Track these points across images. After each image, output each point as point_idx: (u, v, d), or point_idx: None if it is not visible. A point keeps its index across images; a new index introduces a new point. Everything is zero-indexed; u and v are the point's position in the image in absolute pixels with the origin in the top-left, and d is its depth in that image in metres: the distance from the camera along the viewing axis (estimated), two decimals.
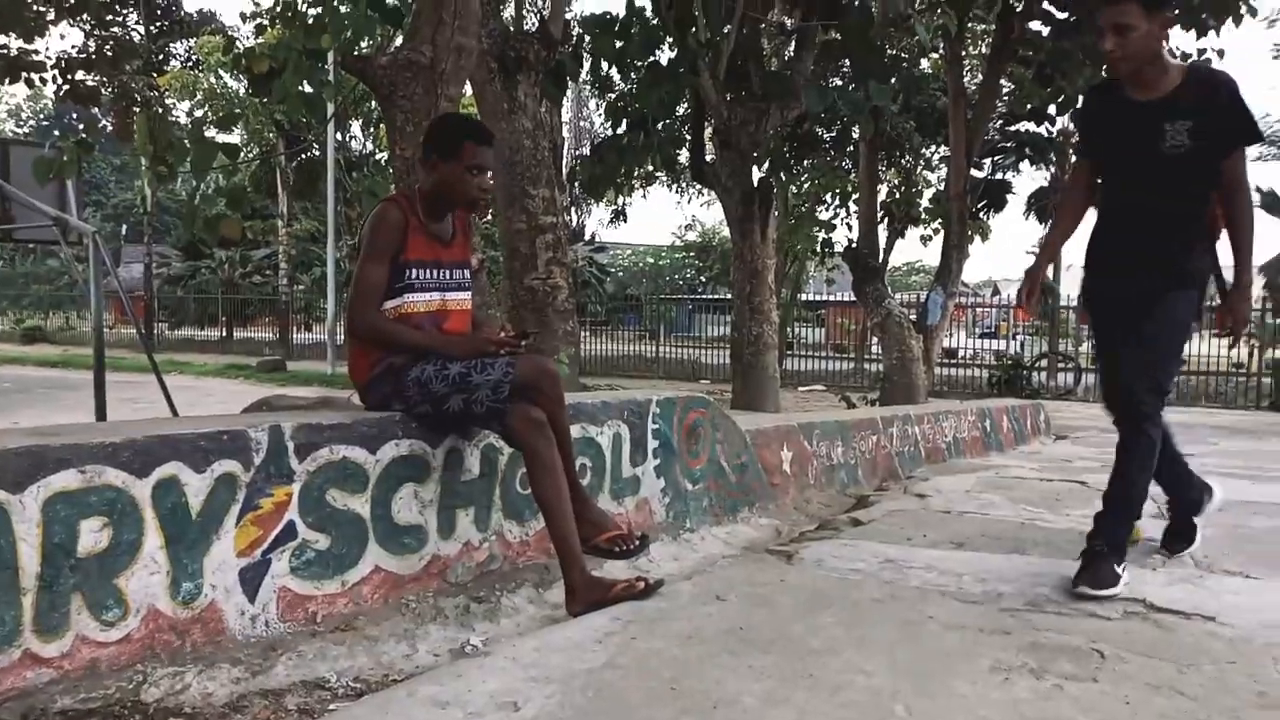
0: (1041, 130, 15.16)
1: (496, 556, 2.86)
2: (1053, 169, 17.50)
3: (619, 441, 3.37)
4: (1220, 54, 9.65)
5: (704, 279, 37.12)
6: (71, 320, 32.98)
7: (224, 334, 28.07)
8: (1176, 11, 2.64)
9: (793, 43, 10.22)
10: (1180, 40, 21.97)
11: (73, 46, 11.05)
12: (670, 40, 9.30)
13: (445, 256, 2.80)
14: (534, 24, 14.32)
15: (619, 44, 8.83)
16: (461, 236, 2.88)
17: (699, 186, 20.37)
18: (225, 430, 2.23)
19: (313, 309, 27.69)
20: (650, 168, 16.26)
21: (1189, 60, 3.04)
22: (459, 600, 2.63)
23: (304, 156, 24.01)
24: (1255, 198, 17.60)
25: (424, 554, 2.64)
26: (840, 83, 12.99)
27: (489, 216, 8.60)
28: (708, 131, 10.40)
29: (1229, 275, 2.90)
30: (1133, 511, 2.92)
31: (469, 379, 2.56)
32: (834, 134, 15.16)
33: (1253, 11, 9.37)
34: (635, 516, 3.39)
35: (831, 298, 26.63)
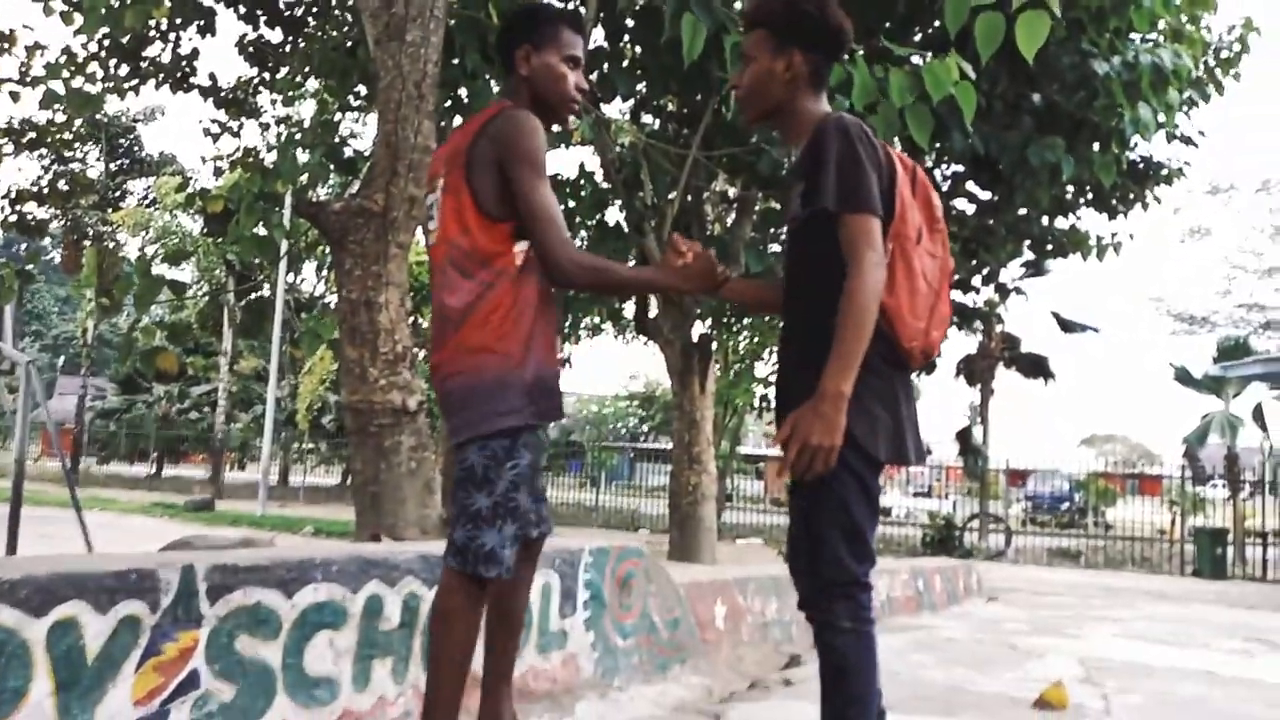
0: (968, 300, 15.97)
1: (412, 713, 2.73)
2: (980, 336, 18.29)
3: (549, 592, 3.31)
4: (1131, 236, 10.44)
5: (647, 428, 37.30)
6: None
7: (154, 470, 27.15)
8: (814, 57, 2.16)
9: (734, 209, 10.76)
10: (1093, 223, 23.59)
11: (28, 179, 11.08)
12: (618, 202, 9.76)
13: None
14: None
15: (570, 203, 9.22)
16: None
17: (644, 338, 20.80)
18: (134, 569, 2.16)
19: (249, 448, 27.02)
20: (597, 320, 16.60)
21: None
22: None
23: (253, 295, 24.03)
24: (1168, 370, 18.31)
25: (335, 708, 2.53)
26: (778, 248, 13.62)
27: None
28: None
29: None
30: None
31: (494, 520, 2.14)
32: None
33: (1157, 199, 10.20)
34: (561, 673, 3.29)
35: (771, 451, 26.90)
